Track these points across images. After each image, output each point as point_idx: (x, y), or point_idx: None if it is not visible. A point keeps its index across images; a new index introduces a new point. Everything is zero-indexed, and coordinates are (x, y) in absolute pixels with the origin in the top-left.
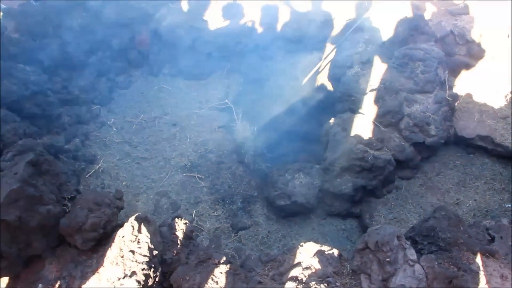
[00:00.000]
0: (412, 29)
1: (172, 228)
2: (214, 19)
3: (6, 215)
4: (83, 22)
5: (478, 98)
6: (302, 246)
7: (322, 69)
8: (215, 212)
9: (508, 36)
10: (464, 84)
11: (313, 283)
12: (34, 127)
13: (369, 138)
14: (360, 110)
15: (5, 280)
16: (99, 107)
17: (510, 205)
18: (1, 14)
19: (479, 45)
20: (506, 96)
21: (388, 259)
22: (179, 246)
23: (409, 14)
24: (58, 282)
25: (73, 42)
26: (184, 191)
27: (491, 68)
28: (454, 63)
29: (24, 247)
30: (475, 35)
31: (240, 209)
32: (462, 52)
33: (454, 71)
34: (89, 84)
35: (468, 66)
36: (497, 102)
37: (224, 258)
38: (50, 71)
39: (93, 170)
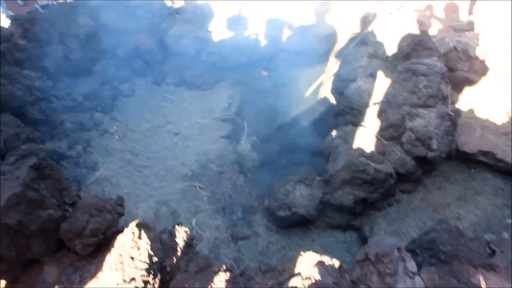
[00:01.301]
0: (416, 44)
1: (172, 235)
2: (219, 30)
3: (7, 218)
4: (89, 31)
5: (480, 113)
6: (302, 256)
7: (326, 83)
8: (215, 222)
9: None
10: (467, 99)
11: None
12: (37, 132)
13: (371, 151)
14: (362, 123)
15: (3, 283)
16: (102, 115)
17: (511, 221)
18: (10, 21)
19: (482, 61)
20: (508, 113)
21: (388, 271)
22: (179, 253)
23: (413, 29)
24: (57, 287)
25: (78, 49)
26: (184, 200)
27: (494, 84)
28: (457, 79)
29: (23, 251)
30: (479, 51)
31: (240, 219)
32: (465, 68)
33: (457, 87)
34: (92, 91)
35: (471, 82)
36: (500, 118)
37: (224, 267)
38: (54, 78)
39: (94, 177)
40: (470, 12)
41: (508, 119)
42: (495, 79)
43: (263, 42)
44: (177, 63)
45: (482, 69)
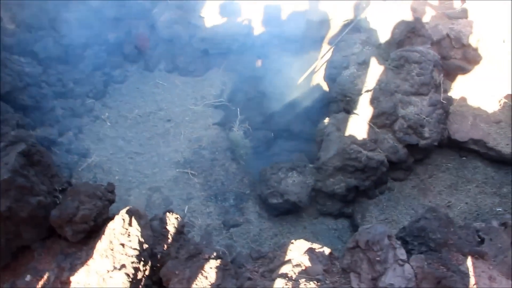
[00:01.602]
0: (409, 31)
1: (163, 222)
2: (211, 16)
3: None
4: (80, 16)
5: (472, 102)
6: (292, 243)
7: (318, 69)
8: (207, 209)
9: (504, 42)
10: (459, 87)
11: (303, 280)
12: (27, 118)
13: (363, 138)
14: (354, 111)
15: None
16: (93, 101)
17: (501, 209)
18: None
19: (475, 49)
20: (500, 101)
21: (378, 258)
22: (169, 240)
23: (407, 16)
24: (47, 274)
25: (69, 35)
26: (176, 187)
27: (486, 72)
28: (450, 67)
29: (13, 238)
30: (472, 39)
31: (232, 206)
32: (458, 56)
33: (450, 75)
34: (84, 77)
35: (463, 70)
36: (491, 106)
37: (215, 254)
38: (45, 63)
39: (86, 164)
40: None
41: (499, 108)
42: (487, 67)
43: (256, 29)
44: (169, 49)
45: (474, 57)
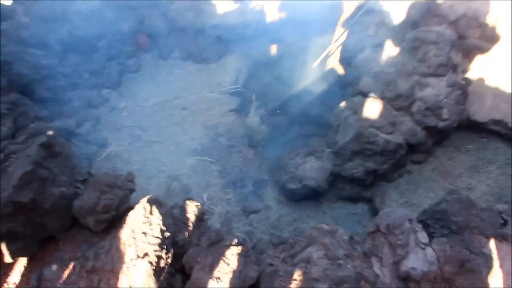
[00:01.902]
0: (424, 12)
1: (183, 210)
2: (223, 2)
3: (20, 196)
4: (92, 6)
5: (491, 81)
6: (313, 228)
7: (333, 53)
8: (226, 196)
9: None
10: (478, 67)
11: (324, 265)
12: (45, 110)
13: (381, 121)
14: (371, 94)
15: (21, 261)
16: (109, 91)
17: None
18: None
19: (493, 28)
20: None
21: (399, 242)
22: (190, 228)
23: None
24: (72, 263)
25: (82, 25)
26: (195, 175)
27: (505, 51)
28: (468, 46)
29: (38, 229)
30: (490, 18)
31: (251, 192)
32: (476, 35)
33: (468, 55)
34: (99, 68)
35: (482, 50)
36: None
37: (236, 240)
38: (60, 55)
39: (105, 154)
40: None
41: None
42: (506, 45)
43: (268, 13)
44: (182, 37)
45: (493, 36)
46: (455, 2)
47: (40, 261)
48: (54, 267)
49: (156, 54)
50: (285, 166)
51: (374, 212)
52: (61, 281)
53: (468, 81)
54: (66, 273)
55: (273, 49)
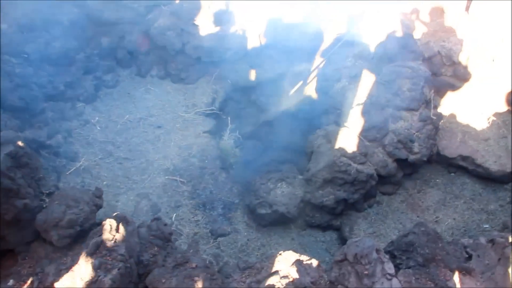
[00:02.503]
0: (401, 47)
1: (150, 229)
2: (205, 24)
3: None
4: (73, 18)
5: (461, 119)
6: (280, 254)
7: (310, 81)
8: (195, 217)
9: (493, 60)
10: (449, 104)
11: None
12: (16, 120)
13: (353, 151)
14: (345, 124)
15: None
16: (84, 105)
17: (488, 226)
18: None
19: (465, 67)
20: (489, 119)
21: (366, 272)
22: (156, 248)
23: (399, 31)
24: (31, 279)
25: (62, 37)
26: (165, 194)
27: (476, 90)
28: (440, 83)
29: None
30: (462, 57)
31: (220, 215)
32: (448, 73)
33: (440, 91)
34: (75, 80)
35: (453, 87)
36: (480, 124)
37: (202, 263)
38: (36, 65)
39: (74, 168)
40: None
41: (488, 125)
42: (477, 85)
43: (250, 38)
44: (162, 56)
45: (465, 75)
46: (431, 40)
47: None
48: (11, 282)
49: (134, 71)
50: (256, 191)
51: (343, 240)
52: None
53: (439, 117)
54: None
55: (252, 74)
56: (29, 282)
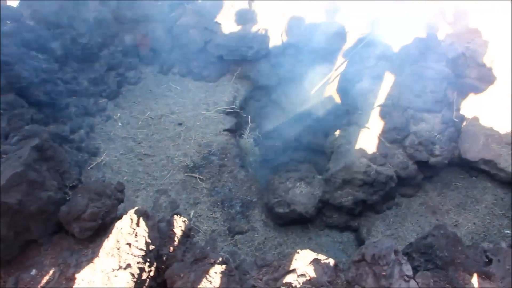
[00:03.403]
0: (424, 48)
1: (170, 224)
2: (228, 23)
3: (7, 197)
4: (98, 15)
5: (484, 122)
6: (298, 253)
7: (332, 81)
8: (213, 215)
9: None
10: (472, 107)
11: None
12: (41, 114)
13: (373, 153)
14: (366, 124)
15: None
16: (106, 101)
17: (509, 231)
18: (19, 1)
19: (490, 69)
20: None
21: (383, 273)
22: (176, 243)
23: (422, 32)
24: (52, 269)
25: (87, 34)
26: (184, 191)
27: (500, 93)
28: (464, 86)
29: (22, 231)
30: (487, 59)
31: (238, 213)
32: (472, 75)
33: (463, 93)
34: (98, 77)
35: (477, 90)
36: (504, 127)
37: (220, 259)
38: (61, 61)
39: (96, 163)
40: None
41: None
42: (501, 88)
43: (272, 37)
44: (184, 53)
45: (489, 77)
46: (455, 41)
47: (20, 264)
48: (33, 271)
49: (157, 68)
50: (275, 190)
51: (360, 242)
52: (38, 287)
53: (462, 119)
54: (45, 279)
55: (273, 73)
56: (51, 272)
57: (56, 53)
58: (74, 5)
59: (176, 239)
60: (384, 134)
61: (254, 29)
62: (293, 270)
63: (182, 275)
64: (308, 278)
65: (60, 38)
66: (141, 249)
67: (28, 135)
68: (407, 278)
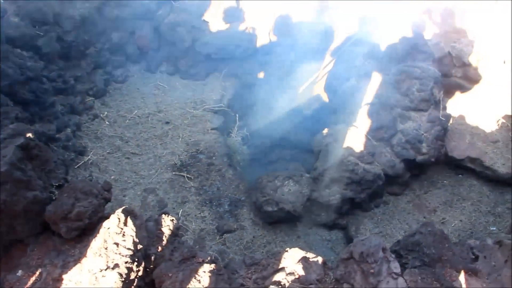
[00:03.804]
0: (411, 47)
1: (158, 223)
2: (215, 21)
3: None
4: (85, 13)
5: (470, 120)
6: (287, 251)
7: (320, 80)
8: (202, 213)
9: (504, 62)
10: (458, 105)
11: None
12: (26, 113)
13: (361, 151)
14: (353, 123)
15: None
16: (93, 99)
17: (495, 228)
18: None
19: (475, 69)
20: (498, 121)
21: (372, 271)
22: (164, 242)
23: (409, 31)
24: (39, 270)
25: (73, 31)
26: (172, 190)
27: (486, 92)
28: (450, 84)
29: (6, 231)
30: (472, 58)
31: (226, 212)
32: (458, 74)
33: (449, 92)
34: (85, 75)
35: (463, 89)
36: (489, 126)
37: (209, 258)
38: (47, 59)
39: (82, 162)
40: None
41: (497, 127)
42: (487, 87)
43: (259, 36)
44: (171, 52)
45: (475, 76)
46: (441, 41)
47: (5, 265)
48: (19, 272)
49: (144, 66)
50: (263, 188)
51: (348, 240)
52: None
53: (448, 118)
54: (32, 279)
55: (261, 71)
56: (37, 273)
57: (42, 51)
58: (59, 2)
59: (164, 238)
60: (371, 132)
61: (242, 27)
62: (282, 269)
63: (170, 274)
64: (297, 276)
65: (46, 35)
66: (128, 249)
67: (12, 134)
68: (395, 276)
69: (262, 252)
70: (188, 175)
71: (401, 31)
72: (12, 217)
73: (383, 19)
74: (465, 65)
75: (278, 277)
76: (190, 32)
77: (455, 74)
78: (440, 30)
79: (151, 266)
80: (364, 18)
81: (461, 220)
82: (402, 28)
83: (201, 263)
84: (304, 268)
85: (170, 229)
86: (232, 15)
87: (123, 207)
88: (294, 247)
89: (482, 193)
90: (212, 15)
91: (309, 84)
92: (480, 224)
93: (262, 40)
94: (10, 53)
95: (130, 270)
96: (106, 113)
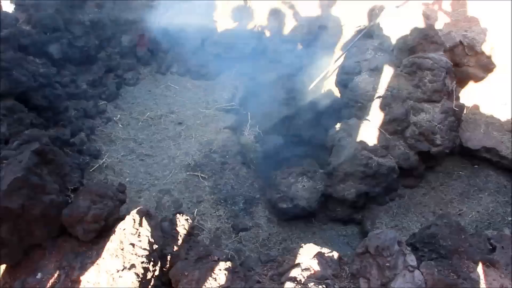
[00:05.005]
0: (422, 38)
1: (173, 223)
2: (224, 20)
3: (9, 202)
4: (94, 18)
5: (485, 110)
6: (302, 247)
7: (330, 75)
8: (217, 212)
9: None
10: (472, 95)
11: (312, 284)
12: (40, 118)
13: (374, 145)
14: (366, 117)
15: (4, 268)
16: (105, 103)
17: None
18: (14, 6)
19: (488, 57)
20: None
21: (388, 264)
22: (179, 241)
23: (420, 22)
24: (57, 272)
25: (83, 37)
26: (186, 190)
27: (500, 81)
28: (463, 74)
29: (25, 236)
30: (485, 47)
31: (241, 210)
32: (471, 63)
33: (462, 82)
34: (97, 79)
35: (476, 78)
36: (504, 115)
37: (224, 256)
38: (59, 65)
39: (97, 165)
40: None
41: None
42: (501, 75)
43: (268, 33)
44: (181, 53)
45: (488, 65)
46: (452, 30)
47: (25, 268)
48: (39, 275)
49: (155, 68)
50: (277, 185)
51: (364, 234)
52: None
53: (462, 108)
54: (51, 282)
55: (271, 69)
56: (56, 275)
57: (54, 57)
58: (69, 8)
59: (179, 237)
60: (384, 125)
61: (250, 25)
62: (298, 265)
63: (186, 273)
64: (312, 272)
65: (57, 41)
66: (144, 249)
67: (28, 140)
68: (411, 269)
69: (278, 249)
70: (202, 175)
71: (411, 22)
72: (29, 222)
73: (392, 11)
74: (478, 53)
75: (294, 273)
76: (199, 32)
77: (468, 63)
78: (451, 19)
79: (167, 265)
80: (373, 10)
81: (478, 211)
82: (412, 19)
83: (216, 262)
84: (320, 263)
85: (185, 229)
86: (241, 13)
87: (138, 208)
88: (309, 243)
89: (499, 183)
90: (221, 14)
91: (321, 80)
92: (498, 214)
93: (271, 37)
94: (23, 60)
95: (146, 270)
96: (119, 116)
